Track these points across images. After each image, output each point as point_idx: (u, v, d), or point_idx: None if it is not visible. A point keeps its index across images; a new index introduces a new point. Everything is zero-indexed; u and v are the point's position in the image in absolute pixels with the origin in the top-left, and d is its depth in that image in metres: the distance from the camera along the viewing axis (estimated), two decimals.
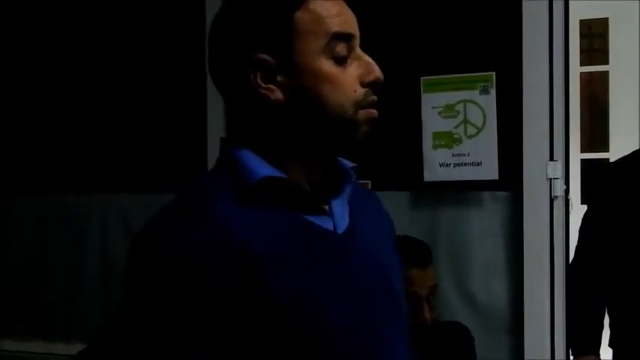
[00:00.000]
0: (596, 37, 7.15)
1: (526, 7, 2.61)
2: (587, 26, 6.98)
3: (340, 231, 1.22)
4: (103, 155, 3.22)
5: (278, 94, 1.18)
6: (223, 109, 3.00)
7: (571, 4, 2.70)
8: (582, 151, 6.97)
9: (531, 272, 2.61)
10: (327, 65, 1.18)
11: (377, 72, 1.21)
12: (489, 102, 2.63)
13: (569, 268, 2.65)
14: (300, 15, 1.18)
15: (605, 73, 6.97)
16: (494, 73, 2.63)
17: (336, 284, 1.19)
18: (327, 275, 1.18)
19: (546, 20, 2.61)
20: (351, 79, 1.20)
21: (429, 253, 2.32)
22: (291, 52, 1.18)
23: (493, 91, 2.63)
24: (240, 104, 1.23)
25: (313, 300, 1.15)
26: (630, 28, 6.62)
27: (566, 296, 2.63)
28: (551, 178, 2.60)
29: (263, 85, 1.18)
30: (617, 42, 6.92)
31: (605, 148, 6.93)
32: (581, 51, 6.93)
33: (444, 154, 2.68)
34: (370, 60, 1.22)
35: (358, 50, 1.22)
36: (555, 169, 2.60)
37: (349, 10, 1.23)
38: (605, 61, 6.97)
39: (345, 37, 1.19)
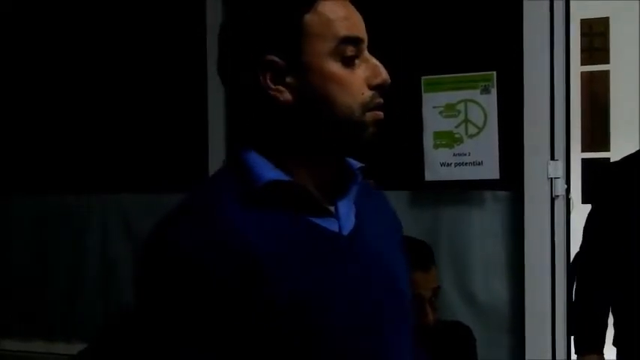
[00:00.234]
0: (596, 36, 7.15)
1: (527, 7, 2.60)
2: (588, 25, 6.98)
3: (345, 232, 1.23)
4: (103, 155, 3.22)
5: (287, 95, 1.19)
6: (224, 109, 3.00)
7: (572, 3, 2.69)
8: (583, 150, 6.96)
9: (532, 272, 2.61)
10: (335, 67, 1.19)
11: (384, 75, 1.22)
12: (490, 101, 2.63)
13: (571, 267, 2.65)
14: (309, 18, 1.19)
15: (606, 73, 6.97)
16: (495, 73, 2.63)
17: (340, 285, 1.19)
18: (330, 276, 1.19)
19: (547, 19, 2.61)
20: (359, 81, 1.21)
21: (431, 255, 2.32)
22: (300, 53, 1.19)
23: (494, 91, 2.63)
24: (250, 105, 1.24)
25: (316, 301, 1.16)
26: (631, 27, 6.62)
27: (568, 295, 2.62)
28: (552, 178, 2.60)
29: (272, 86, 1.19)
30: (617, 41, 6.92)
31: (606, 147, 6.93)
32: (582, 50, 6.93)
33: (444, 154, 2.68)
34: (378, 63, 1.23)
35: (366, 53, 1.23)
36: (556, 169, 2.60)
37: (358, 13, 1.24)
38: (606, 61, 6.97)
39: (354, 41, 1.21)
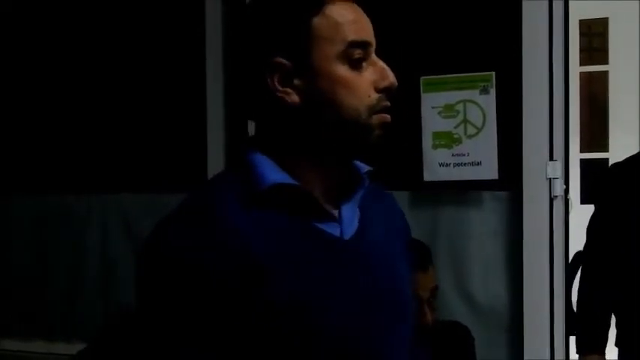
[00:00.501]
0: (595, 37, 7.15)
1: (526, 7, 2.61)
2: (586, 26, 6.99)
3: (347, 236, 1.24)
4: (103, 155, 3.22)
5: (294, 97, 1.20)
6: (223, 109, 3.00)
7: (571, 3, 2.70)
8: (582, 150, 6.96)
9: (531, 272, 2.61)
10: (342, 70, 1.20)
11: (391, 78, 1.23)
12: (489, 102, 2.63)
13: (570, 267, 2.65)
14: (317, 21, 1.20)
15: (605, 73, 6.97)
16: (493, 73, 2.64)
17: (339, 289, 1.20)
18: (329, 281, 1.19)
19: (546, 20, 2.61)
20: (366, 84, 1.21)
21: (429, 255, 2.33)
22: (308, 56, 1.20)
23: (493, 91, 2.63)
24: (258, 107, 1.25)
25: (314, 304, 1.16)
26: (630, 27, 6.62)
27: (566, 295, 2.63)
28: (550, 178, 2.60)
29: (280, 88, 1.20)
30: (616, 42, 6.92)
31: (605, 147, 6.93)
32: (581, 50, 6.93)
33: (443, 154, 2.68)
34: (385, 66, 1.24)
35: (374, 56, 1.24)
36: (555, 169, 2.60)
37: (366, 16, 1.25)
38: (605, 61, 6.97)
39: (362, 45, 1.21)
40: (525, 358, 2.61)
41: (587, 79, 7.19)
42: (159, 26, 3.14)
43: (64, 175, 3.29)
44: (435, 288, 2.30)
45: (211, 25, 2.99)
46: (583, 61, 7.02)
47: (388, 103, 1.24)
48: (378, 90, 1.22)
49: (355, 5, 1.24)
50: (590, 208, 2.76)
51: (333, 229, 1.22)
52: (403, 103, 2.70)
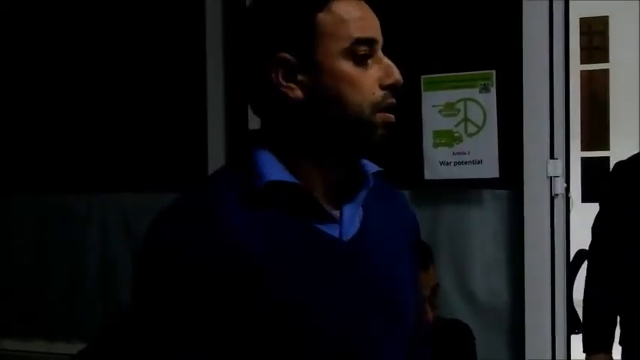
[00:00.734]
0: (596, 35, 7.15)
1: (526, 6, 2.60)
2: (587, 24, 6.99)
3: (346, 237, 1.22)
4: (104, 155, 3.22)
5: (298, 93, 1.19)
6: (223, 109, 3.00)
7: (571, 2, 2.69)
8: (583, 149, 6.97)
9: (532, 270, 2.61)
10: (347, 66, 1.19)
11: (396, 75, 1.22)
12: (490, 100, 2.63)
13: (571, 265, 2.65)
14: (322, 16, 1.19)
15: (606, 71, 6.97)
16: (494, 72, 2.63)
17: (336, 290, 1.19)
18: (326, 282, 1.18)
19: (546, 18, 2.61)
20: (371, 81, 1.20)
21: (429, 254, 2.33)
22: (313, 52, 1.19)
23: (493, 90, 2.62)
24: (261, 103, 1.24)
25: (310, 305, 1.16)
26: (630, 26, 6.62)
27: (568, 294, 2.63)
28: (551, 176, 2.60)
29: (284, 83, 1.19)
30: (617, 40, 6.93)
31: (606, 146, 6.93)
32: (582, 49, 6.94)
33: (444, 153, 2.68)
34: (390, 63, 1.23)
35: (379, 53, 1.23)
36: (556, 167, 2.60)
37: (372, 13, 1.24)
38: (606, 59, 6.97)
39: (367, 42, 1.20)
40: (527, 357, 2.61)
41: (587, 78, 7.19)
42: (159, 26, 3.14)
43: (64, 175, 3.28)
44: (436, 286, 2.30)
45: (211, 24, 2.99)
46: (583, 60, 7.03)
47: (394, 101, 1.23)
48: (382, 87, 1.21)
49: (362, 2, 1.23)
50: (591, 207, 2.76)
51: (333, 230, 1.21)
52: (404, 101, 2.72)
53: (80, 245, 3.25)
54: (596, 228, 2.68)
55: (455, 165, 2.67)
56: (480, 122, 2.64)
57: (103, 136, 3.22)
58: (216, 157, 2.96)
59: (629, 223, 2.55)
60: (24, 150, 3.37)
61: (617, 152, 6.23)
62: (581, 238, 2.78)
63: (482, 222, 2.70)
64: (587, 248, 2.75)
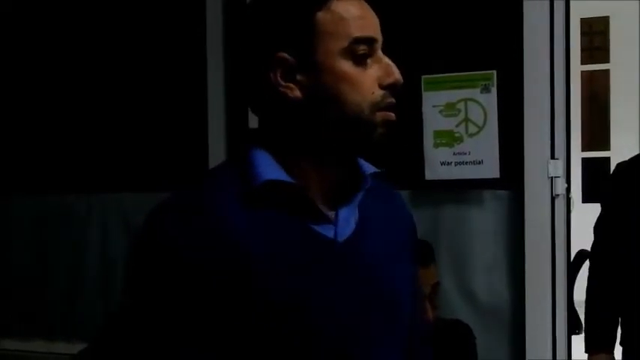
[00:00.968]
0: (596, 36, 7.15)
1: (527, 6, 2.60)
2: (588, 24, 6.99)
3: (341, 238, 1.22)
4: (104, 155, 3.22)
5: (297, 92, 1.19)
6: (224, 108, 2.99)
7: (572, 2, 2.69)
8: (583, 149, 6.96)
9: (533, 271, 2.61)
10: (346, 66, 1.19)
11: (396, 74, 1.22)
12: (490, 100, 2.63)
13: (572, 266, 2.65)
14: (321, 15, 1.18)
15: (606, 72, 6.97)
16: (495, 72, 2.63)
17: (329, 290, 1.18)
18: (320, 282, 1.18)
19: (547, 19, 2.61)
20: (370, 80, 1.20)
21: (430, 252, 2.33)
22: (312, 51, 1.18)
23: (494, 90, 2.62)
24: (260, 103, 1.24)
25: (304, 306, 1.15)
26: (631, 26, 6.62)
27: (568, 294, 2.63)
28: (552, 177, 2.60)
29: (283, 83, 1.19)
30: (617, 40, 6.93)
31: (606, 146, 6.93)
32: (582, 49, 6.93)
33: (445, 153, 2.68)
34: (390, 62, 1.22)
35: (379, 52, 1.22)
36: (556, 168, 2.60)
37: (372, 12, 1.23)
38: (606, 60, 6.97)
39: (367, 41, 1.20)
40: (527, 357, 2.61)
41: (588, 78, 7.19)
42: (159, 25, 3.13)
43: (64, 174, 3.28)
44: (437, 284, 2.30)
45: (212, 23, 2.98)
46: (584, 60, 7.03)
47: (393, 101, 1.22)
48: (382, 87, 1.21)
49: (362, 1, 1.23)
50: (591, 207, 2.76)
51: (328, 231, 1.21)
52: (404, 101, 2.72)
53: (80, 245, 3.25)
54: (597, 228, 2.68)
55: (455, 165, 2.67)
56: (480, 122, 2.64)
57: (103, 136, 3.22)
58: (216, 157, 2.95)
59: (630, 224, 2.55)
60: (24, 150, 3.37)
61: (618, 152, 6.23)
62: (582, 238, 2.78)
63: (483, 222, 2.70)
64: (587, 248, 2.76)
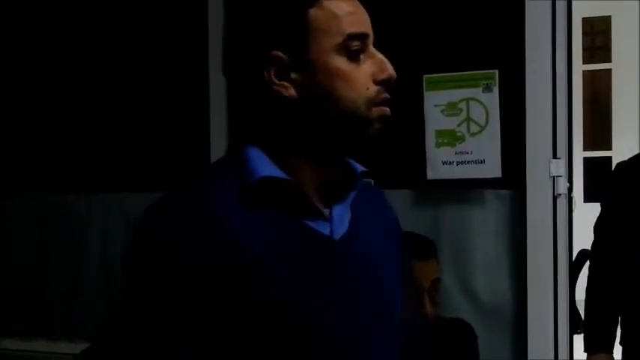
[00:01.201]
0: (598, 35, 7.14)
1: (529, 5, 2.60)
2: (589, 24, 6.98)
3: (337, 236, 1.22)
4: (104, 154, 3.21)
5: (291, 91, 1.19)
6: (226, 108, 2.99)
7: (574, 2, 2.69)
8: (585, 149, 6.96)
9: (534, 270, 2.60)
10: (340, 62, 1.18)
11: (390, 70, 1.22)
12: (492, 100, 2.62)
13: (574, 265, 2.65)
14: (314, 12, 1.18)
15: (608, 71, 6.96)
16: (497, 71, 2.62)
17: (327, 289, 1.18)
18: (318, 280, 1.18)
19: (549, 18, 2.60)
20: (364, 76, 1.20)
21: (431, 247, 2.34)
22: (305, 49, 1.18)
23: (496, 89, 2.62)
24: (254, 101, 1.23)
25: (302, 303, 1.15)
26: (632, 25, 6.62)
27: (570, 294, 2.62)
28: (554, 176, 2.59)
29: (277, 81, 1.19)
30: (619, 40, 6.92)
31: (608, 146, 6.93)
32: (584, 49, 6.93)
33: (446, 152, 2.67)
34: (383, 58, 1.22)
35: (372, 48, 1.22)
36: (558, 167, 2.59)
37: (362, 8, 1.23)
38: (608, 59, 6.96)
39: (360, 37, 1.20)
40: (529, 357, 2.60)
41: (589, 78, 7.18)
42: (160, 24, 3.13)
43: (65, 174, 3.28)
44: (437, 280, 2.30)
45: (213, 24, 2.98)
46: (586, 60, 7.02)
47: (388, 96, 1.22)
48: (376, 82, 1.21)
49: None
50: (593, 206, 2.76)
51: (324, 228, 1.21)
52: (406, 101, 2.72)
53: (81, 245, 3.24)
54: (598, 228, 2.68)
55: (457, 165, 2.66)
56: (482, 122, 2.64)
57: (104, 136, 3.22)
58: (218, 156, 2.93)
59: (630, 224, 2.55)
60: (24, 150, 3.37)
61: (619, 152, 6.23)
62: (584, 237, 2.78)
63: (485, 222, 2.69)
64: (589, 248, 2.75)
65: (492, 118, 2.63)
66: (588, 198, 6.50)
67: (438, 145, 2.69)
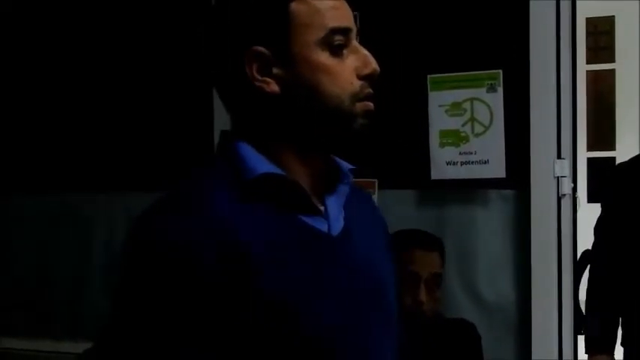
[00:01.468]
0: (602, 35, 7.13)
1: (533, 5, 2.60)
2: (593, 24, 6.97)
3: (335, 233, 1.22)
4: (109, 154, 3.21)
5: (274, 86, 1.18)
6: None
7: (577, 2, 2.69)
8: (588, 149, 6.94)
9: (539, 271, 2.60)
10: (323, 57, 1.18)
11: (373, 64, 1.21)
12: (496, 100, 2.62)
13: (577, 266, 2.65)
14: (295, 6, 1.17)
15: (612, 72, 6.95)
16: (501, 71, 2.62)
17: (327, 285, 1.18)
18: (318, 276, 1.17)
19: (554, 18, 2.60)
20: (348, 71, 1.19)
21: (436, 241, 2.38)
22: (287, 43, 1.17)
23: (500, 89, 2.62)
24: (237, 98, 1.22)
25: (303, 300, 1.14)
26: (636, 26, 6.60)
27: (574, 294, 2.63)
28: (558, 177, 2.59)
29: (259, 77, 1.18)
30: (623, 40, 6.91)
31: (612, 146, 6.91)
32: (587, 49, 6.91)
33: (450, 153, 2.67)
34: (367, 53, 1.22)
35: (355, 43, 1.22)
36: (563, 167, 2.59)
37: (345, 2, 1.22)
38: (612, 60, 6.95)
39: (343, 31, 1.19)
40: (533, 357, 2.60)
41: (593, 78, 7.17)
42: (163, 23, 3.13)
43: (71, 174, 3.28)
44: (438, 276, 2.34)
45: None
46: (589, 60, 7.00)
47: (371, 91, 1.22)
48: (360, 77, 1.20)
49: None
50: (597, 207, 2.76)
51: (321, 225, 1.21)
52: (410, 101, 2.72)
53: (87, 244, 3.25)
54: (598, 229, 2.68)
55: (461, 165, 2.66)
56: (486, 122, 2.64)
57: (109, 136, 3.22)
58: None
59: (630, 225, 2.55)
60: (29, 149, 3.37)
61: (623, 152, 6.22)
62: (588, 238, 2.78)
63: (489, 222, 2.69)
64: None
65: (496, 119, 2.63)
66: (592, 198, 6.49)
67: (442, 145, 2.69)
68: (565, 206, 2.61)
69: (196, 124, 3.07)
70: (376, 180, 2.73)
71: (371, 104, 1.22)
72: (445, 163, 2.68)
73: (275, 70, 1.18)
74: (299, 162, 1.21)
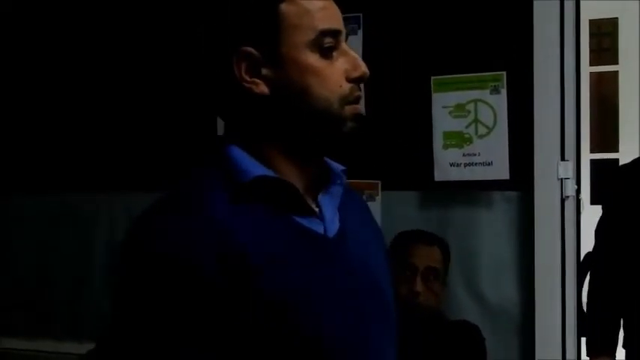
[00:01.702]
0: (605, 37, 7.13)
1: (537, 7, 2.59)
2: (596, 26, 6.96)
3: (331, 234, 1.22)
4: (111, 154, 3.21)
5: (263, 88, 1.18)
6: None
7: (581, 3, 2.68)
8: (592, 151, 6.93)
9: (542, 272, 2.60)
10: (312, 59, 1.18)
11: (363, 67, 1.21)
12: (500, 101, 2.62)
13: (581, 267, 2.65)
14: (285, 7, 1.17)
15: (615, 73, 6.94)
16: (505, 73, 2.62)
17: (325, 287, 1.18)
18: (316, 278, 1.17)
19: (557, 20, 2.60)
20: (337, 73, 1.19)
21: (437, 237, 2.44)
22: (277, 44, 1.17)
23: (504, 91, 2.62)
24: (227, 99, 1.22)
25: (301, 301, 1.14)
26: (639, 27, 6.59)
27: (578, 295, 2.62)
28: (562, 178, 2.59)
29: (248, 78, 1.18)
30: (626, 42, 6.90)
31: (615, 148, 6.90)
32: (591, 51, 6.90)
33: (454, 154, 2.67)
34: (356, 55, 1.21)
35: (344, 45, 1.21)
36: (566, 169, 2.59)
37: (334, 4, 1.22)
38: (615, 61, 6.94)
39: (332, 33, 1.19)
40: (537, 358, 2.60)
41: (596, 80, 7.17)
42: (166, 23, 3.13)
43: (72, 174, 3.28)
44: (435, 269, 2.41)
45: None
46: (593, 62, 7.00)
47: (360, 94, 1.21)
48: (349, 80, 1.20)
49: None
50: (600, 209, 2.76)
51: (317, 226, 1.21)
52: (414, 103, 2.72)
53: (87, 244, 3.25)
54: (599, 231, 2.68)
55: (465, 166, 2.66)
56: (490, 124, 2.63)
57: (110, 136, 3.22)
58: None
59: (631, 226, 2.55)
60: (30, 149, 3.37)
61: (627, 154, 6.21)
62: (591, 240, 2.78)
63: (492, 224, 2.69)
64: None
65: (500, 120, 2.62)
66: (595, 200, 6.48)
67: (446, 146, 2.69)
68: (569, 208, 2.61)
69: (197, 123, 3.07)
70: (380, 181, 2.73)
71: (360, 107, 1.21)
72: (449, 165, 2.68)
73: (264, 71, 1.18)
74: (290, 164, 1.21)
